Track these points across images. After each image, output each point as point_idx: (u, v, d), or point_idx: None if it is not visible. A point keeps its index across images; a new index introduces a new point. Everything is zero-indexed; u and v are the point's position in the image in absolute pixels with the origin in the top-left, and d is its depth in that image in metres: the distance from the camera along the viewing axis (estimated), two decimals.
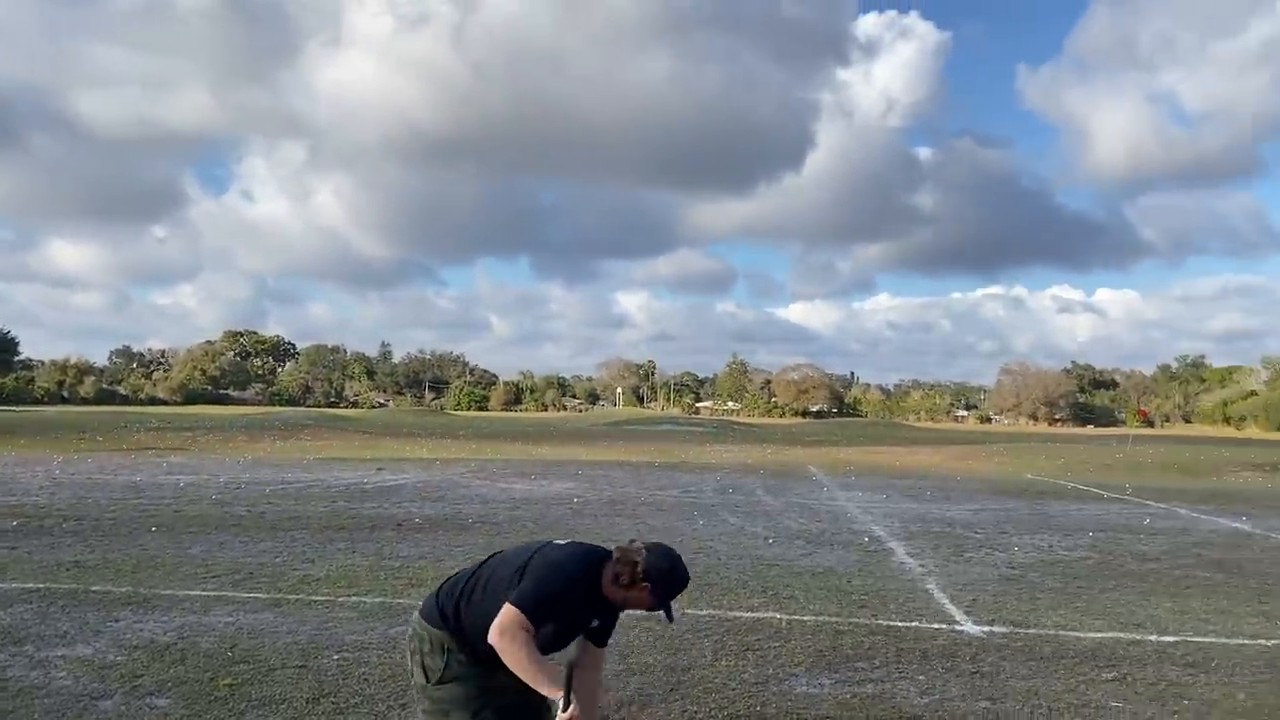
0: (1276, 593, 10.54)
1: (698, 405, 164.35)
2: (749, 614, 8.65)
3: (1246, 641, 8.28)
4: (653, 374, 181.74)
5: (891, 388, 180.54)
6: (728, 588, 9.81)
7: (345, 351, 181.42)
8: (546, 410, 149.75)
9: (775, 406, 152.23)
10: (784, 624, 8.30)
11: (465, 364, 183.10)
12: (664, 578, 3.58)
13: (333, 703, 5.87)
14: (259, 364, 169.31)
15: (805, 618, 8.58)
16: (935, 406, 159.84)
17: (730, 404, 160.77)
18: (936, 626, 8.46)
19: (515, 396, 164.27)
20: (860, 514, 17.33)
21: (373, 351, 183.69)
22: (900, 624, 8.49)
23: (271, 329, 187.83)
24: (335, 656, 6.90)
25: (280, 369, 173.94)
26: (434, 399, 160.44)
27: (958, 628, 8.45)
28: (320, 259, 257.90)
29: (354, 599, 8.73)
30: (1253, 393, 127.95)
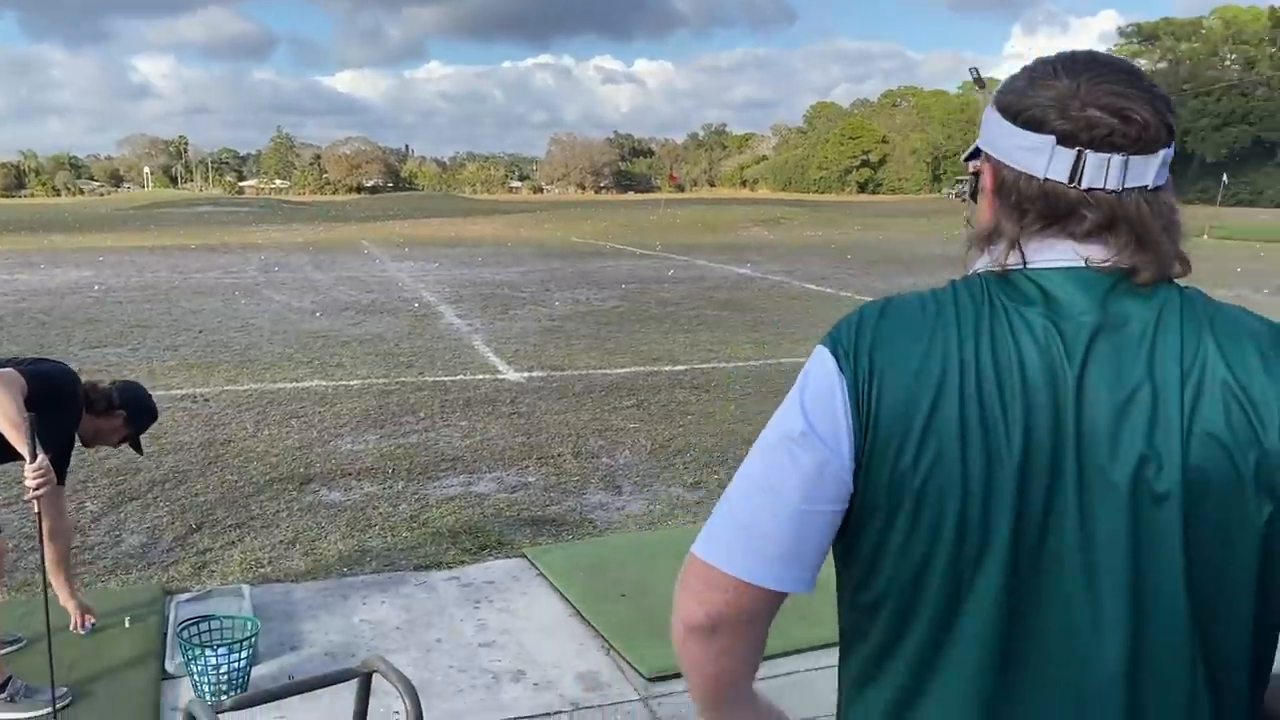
0: (766, 323, 12.28)
1: (241, 185, 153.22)
2: (293, 384, 8.53)
3: (740, 364, 9.63)
4: (185, 151, 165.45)
5: (447, 160, 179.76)
6: (270, 363, 9.56)
7: None
8: (60, 195, 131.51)
9: (328, 183, 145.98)
10: (329, 390, 8.31)
11: None
12: (138, 405, 3.79)
13: None
14: None
15: (352, 382, 8.64)
16: (490, 178, 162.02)
17: (279, 182, 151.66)
18: (480, 377, 8.91)
19: (17, 180, 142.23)
20: (412, 283, 17.45)
21: None
22: (446, 378, 8.83)
23: None
24: None
25: None
26: None
27: (500, 377, 8.96)
28: None
29: None
30: (764, 157, 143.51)
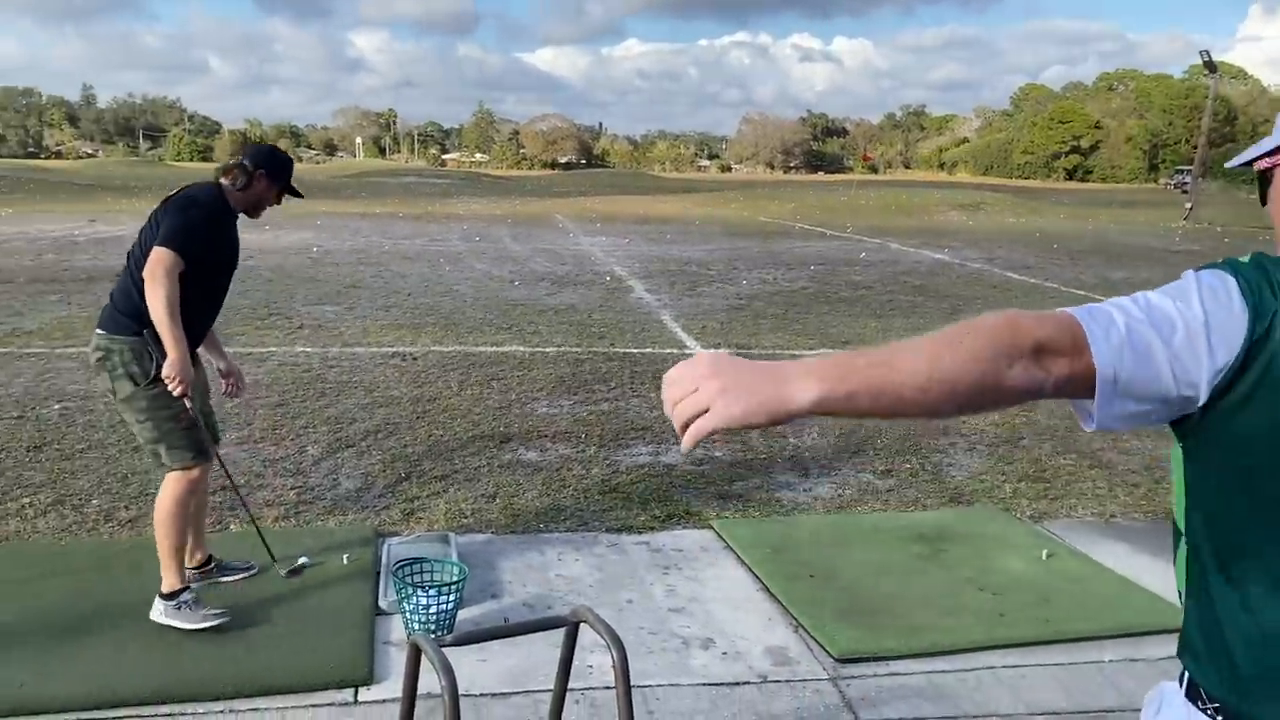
0: (965, 309, 11.88)
1: (444, 157, 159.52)
2: (493, 348, 8.89)
3: None
4: (394, 124, 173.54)
5: (639, 138, 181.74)
6: (473, 326, 9.98)
7: (41, 95, 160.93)
8: None
9: (524, 158, 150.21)
10: (527, 355, 8.61)
11: (183, 110, 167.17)
12: (270, 158, 3.81)
13: (57, 449, 5.65)
14: None
15: (548, 349, 8.91)
16: (680, 157, 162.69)
17: (479, 156, 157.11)
18: (668, 351, 9.03)
19: (241, 147, 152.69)
20: (604, 257, 17.80)
21: (73, 95, 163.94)
22: (635, 350, 8.99)
23: None
24: (56, 406, 6.58)
25: None
26: (150, 149, 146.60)
27: (688, 351, 9.05)
28: None
29: (74, 350, 8.23)
30: (965, 140, 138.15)
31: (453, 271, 14.82)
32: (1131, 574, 4.35)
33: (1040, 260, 19.07)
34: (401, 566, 3.63)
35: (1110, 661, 3.61)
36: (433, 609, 3.48)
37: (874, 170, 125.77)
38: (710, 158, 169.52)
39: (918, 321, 11.03)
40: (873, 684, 3.39)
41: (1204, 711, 1.30)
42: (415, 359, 8.27)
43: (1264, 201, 1.40)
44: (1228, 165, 1.45)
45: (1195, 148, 52.38)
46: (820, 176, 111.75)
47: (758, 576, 4.21)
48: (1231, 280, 1.20)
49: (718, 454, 5.98)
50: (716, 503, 5.16)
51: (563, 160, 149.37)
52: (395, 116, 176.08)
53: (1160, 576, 4.30)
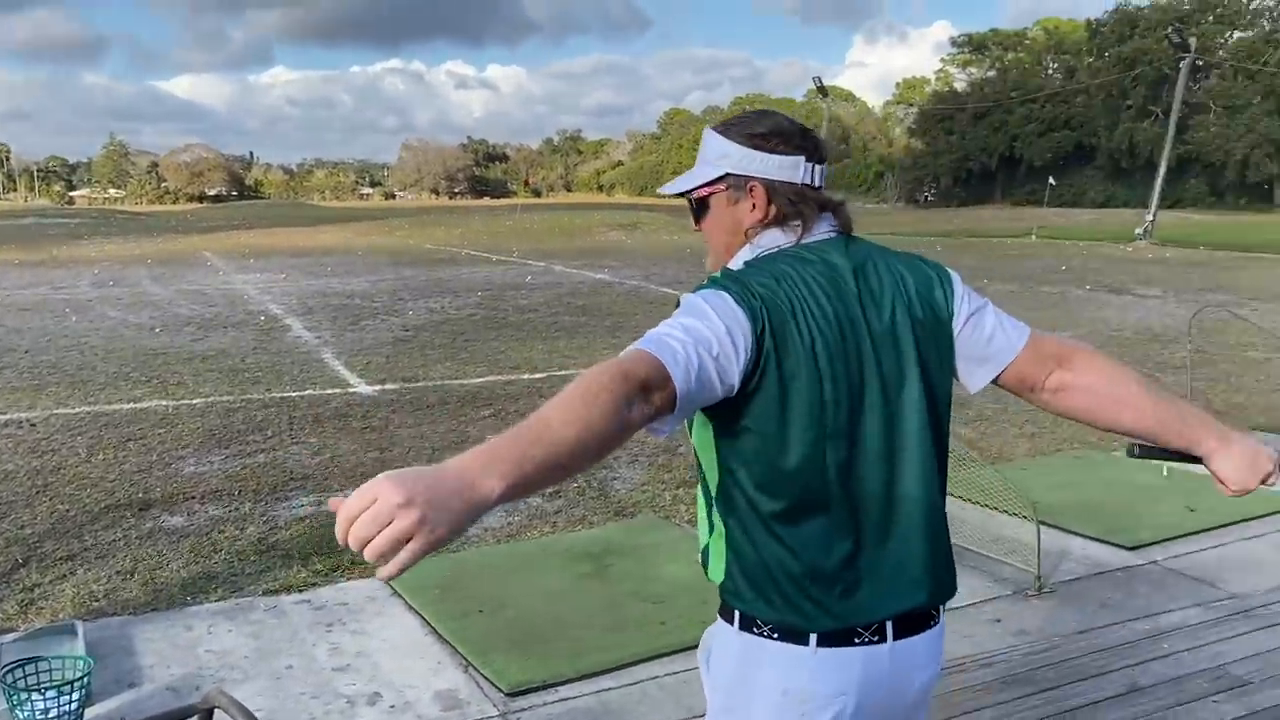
0: (625, 327, 12.36)
1: (72, 194, 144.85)
2: (130, 405, 8.13)
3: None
4: (8, 160, 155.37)
5: (295, 167, 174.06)
6: (105, 383, 9.08)
7: None
8: None
9: (166, 192, 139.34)
10: (170, 410, 7.95)
11: None
12: None
13: None
14: None
15: (194, 401, 8.28)
16: (340, 185, 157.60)
17: (113, 191, 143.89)
18: (331, 392, 8.68)
19: None
20: (258, 295, 16.86)
21: None
22: (295, 394, 8.56)
23: None
24: None
25: None
26: None
27: (351, 390, 8.75)
28: None
29: None
30: (620, 163, 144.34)
31: (80, 322, 13.41)
32: None
33: (693, 274, 20.25)
34: (11, 670, 3.20)
35: None
36: (52, 713, 3.10)
37: (537, 194, 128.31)
38: (373, 185, 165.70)
39: (582, 341, 11.33)
40: (543, 713, 3.41)
41: (761, 634, 1.62)
42: (34, 425, 7.40)
43: (698, 223, 1.76)
44: (662, 190, 1.85)
45: None
46: (486, 201, 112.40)
47: (426, 620, 4.11)
48: (725, 294, 1.50)
49: None
50: None
51: (211, 193, 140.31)
52: (10, 152, 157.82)
53: None
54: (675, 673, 3.67)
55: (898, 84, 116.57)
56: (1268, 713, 3.42)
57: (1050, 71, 79.24)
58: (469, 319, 13.37)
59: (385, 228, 43.08)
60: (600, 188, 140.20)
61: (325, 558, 4.81)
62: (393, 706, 3.46)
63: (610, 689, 3.56)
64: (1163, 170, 34.60)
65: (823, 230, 1.64)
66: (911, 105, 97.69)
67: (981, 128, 74.71)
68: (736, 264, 1.65)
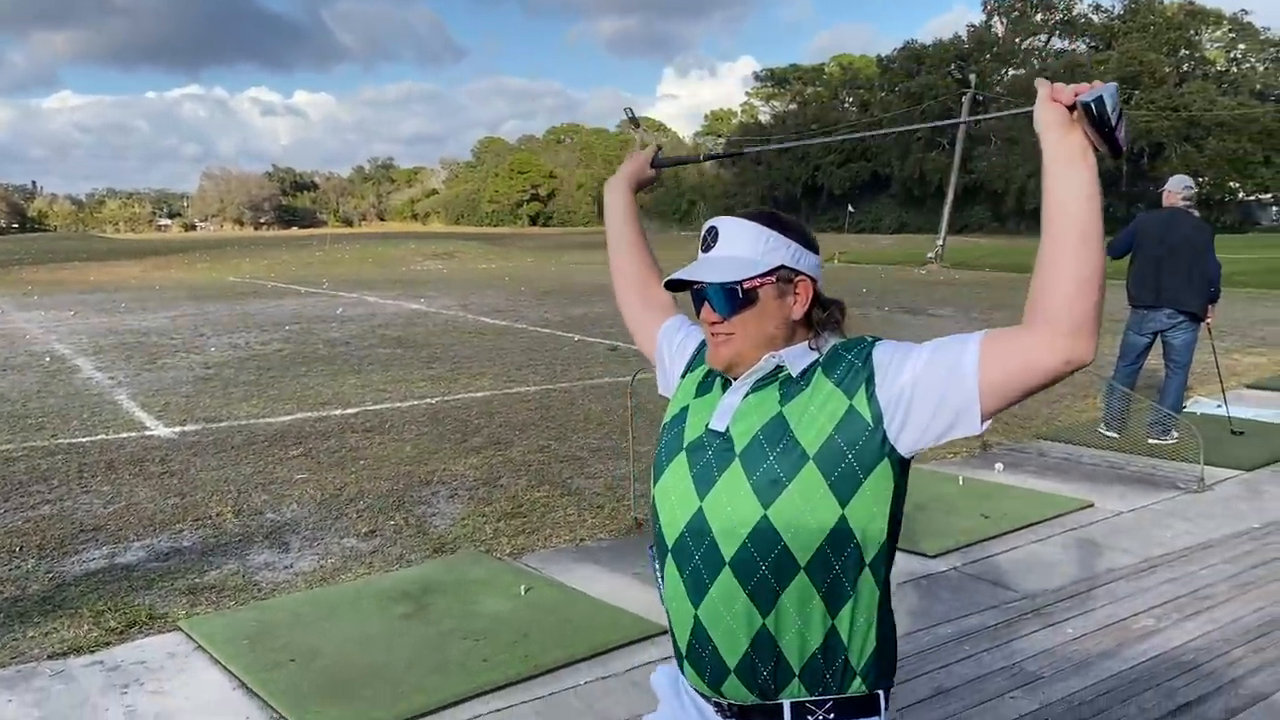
0: (442, 359, 12.16)
1: None
2: None
3: (415, 402, 9.47)
4: None
5: (84, 197, 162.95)
6: None
7: None
8: None
9: None
10: None
11: None
12: None
13: None
14: None
15: None
16: (135, 216, 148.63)
17: None
18: (125, 435, 8.14)
19: None
20: (43, 334, 15.67)
21: None
22: (85, 439, 7.99)
23: None
24: None
25: None
26: None
27: (148, 433, 8.23)
28: None
29: None
30: (434, 191, 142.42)
31: None
32: (600, 593, 4.68)
33: (510, 303, 20.16)
34: None
35: (585, 684, 3.84)
36: None
37: (349, 224, 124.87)
38: (171, 216, 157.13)
39: (397, 373, 11.07)
40: None
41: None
42: None
43: (731, 313, 1.68)
44: (704, 278, 1.71)
45: None
46: (294, 231, 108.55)
47: (234, 674, 3.89)
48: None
49: (185, 543, 5.48)
50: (186, 599, 4.71)
51: None
52: None
53: (621, 590, 4.69)
54: (497, 710, 3.61)
55: (707, 115, 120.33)
56: (1059, 703, 3.66)
57: (846, 105, 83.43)
58: (276, 354, 12.83)
59: (185, 260, 40.89)
60: (415, 216, 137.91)
61: (120, 613, 4.49)
62: None
63: None
64: (950, 198, 37.00)
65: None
66: (720, 136, 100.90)
67: (786, 158, 77.94)
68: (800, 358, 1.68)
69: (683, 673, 1.73)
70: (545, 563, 5.19)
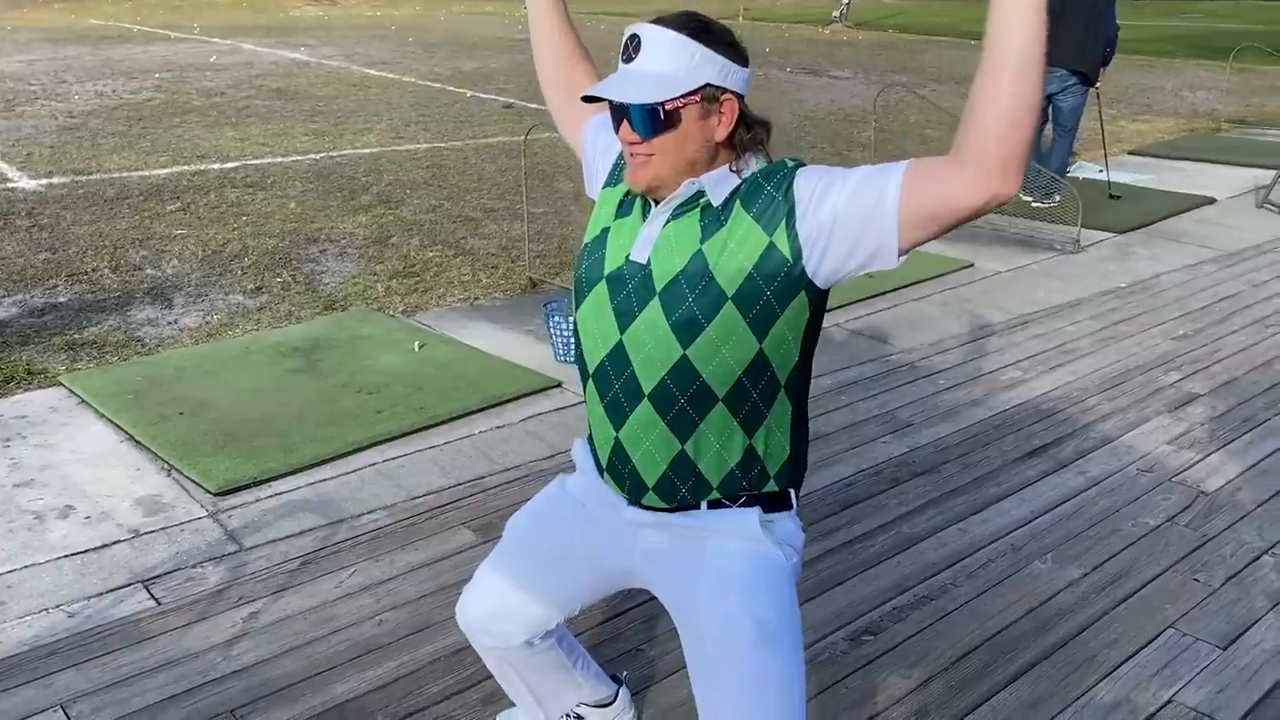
0: (325, 113, 11.58)
1: None
2: None
3: (299, 158, 9.07)
4: None
5: None
6: None
7: None
8: None
9: None
10: None
11: None
12: None
13: None
14: None
15: None
16: None
17: None
18: None
19: None
20: None
21: None
22: None
23: None
24: None
25: None
26: None
27: (12, 185, 7.75)
28: None
29: None
30: None
31: None
32: (494, 349, 4.72)
33: (398, 54, 19.10)
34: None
35: (480, 433, 3.93)
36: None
37: None
38: None
39: (278, 126, 10.52)
40: (255, 509, 3.34)
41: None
42: None
43: (651, 134, 1.56)
44: (617, 98, 1.56)
45: None
46: None
47: (120, 426, 3.86)
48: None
49: (61, 299, 5.28)
50: (65, 355, 4.59)
51: None
52: None
53: (515, 347, 4.74)
54: (393, 458, 3.69)
55: None
56: (926, 447, 3.91)
57: None
58: (147, 104, 12.01)
59: (40, 2, 37.41)
60: None
61: None
62: (88, 518, 3.27)
63: (327, 479, 3.53)
64: None
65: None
66: None
67: None
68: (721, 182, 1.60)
69: (602, 479, 1.79)
70: (439, 320, 5.18)
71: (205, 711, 2.45)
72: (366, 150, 9.52)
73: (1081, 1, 7.29)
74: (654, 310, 1.59)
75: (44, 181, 7.90)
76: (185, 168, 8.52)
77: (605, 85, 1.59)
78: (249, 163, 8.75)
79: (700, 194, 1.60)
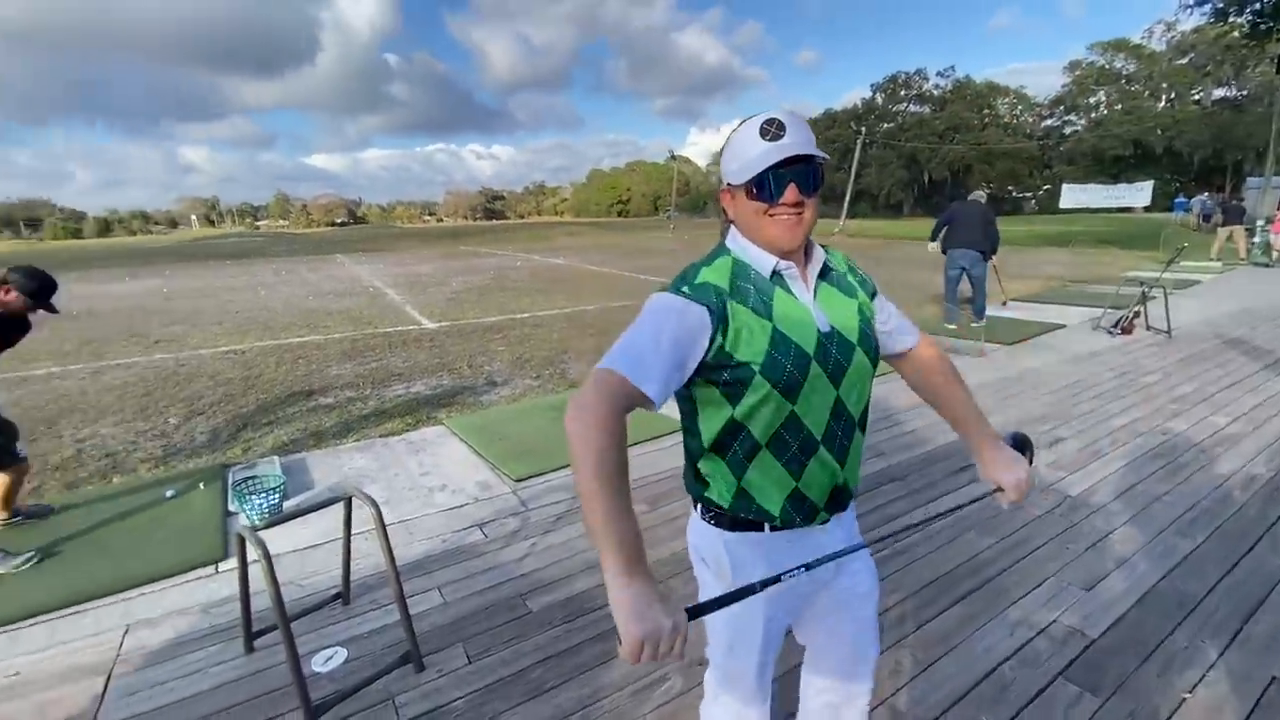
0: (573, 289, 12.03)
1: (257, 224, 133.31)
2: (298, 339, 7.66)
3: (557, 311, 9.39)
4: (218, 205, 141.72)
5: (385, 205, 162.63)
6: (282, 326, 8.52)
7: None
8: (135, 235, 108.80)
9: (312, 221, 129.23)
10: (321, 340, 7.52)
11: (54, 205, 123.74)
12: (20, 272, 2.51)
13: None
14: None
15: (335, 335, 7.85)
16: (411, 215, 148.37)
17: (281, 222, 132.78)
18: (410, 327, 8.30)
19: (105, 228, 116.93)
20: (368, 277, 15.91)
21: None
22: (390, 330, 8.17)
23: None
24: None
25: None
26: (31, 234, 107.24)
27: (423, 326, 8.39)
28: None
29: None
30: (565, 199, 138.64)
31: (266, 294, 12.51)
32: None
33: (607, 260, 19.76)
34: (239, 483, 3.04)
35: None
36: (264, 505, 2.97)
37: (521, 217, 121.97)
38: (429, 214, 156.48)
39: (548, 297, 10.97)
40: (536, 489, 3.40)
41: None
42: (242, 352, 6.92)
43: (813, 192, 1.13)
44: (819, 155, 1.14)
45: (672, 202, 58.17)
46: (494, 222, 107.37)
47: (472, 446, 4.04)
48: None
49: (445, 382, 5.62)
50: (445, 409, 4.87)
51: (338, 221, 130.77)
52: (218, 200, 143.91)
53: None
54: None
55: (714, 154, 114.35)
56: (898, 465, 3.60)
57: None
58: (485, 287, 12.81)
59: (436, 239, 40.87)
60: (556, 213, 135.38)
61: (413, 416, 4.66)
62: (454, 491, 3.41)
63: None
64: (848, 197, 35.08)
65: None
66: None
67: None
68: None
69: (813, 523, 1.22)
70: None
71: (507, 592, 2.47)
72: (593, 306, 9.83)
73: (977, 214, 6.92)
74: (859, 357, 1.22)
75: (437, 324, 8.51)
76: (503, 317, 9.01)
77: (776, 150, 1.07)
78: (535, 314, 9.18)
79: (824, 260, 1.21)
